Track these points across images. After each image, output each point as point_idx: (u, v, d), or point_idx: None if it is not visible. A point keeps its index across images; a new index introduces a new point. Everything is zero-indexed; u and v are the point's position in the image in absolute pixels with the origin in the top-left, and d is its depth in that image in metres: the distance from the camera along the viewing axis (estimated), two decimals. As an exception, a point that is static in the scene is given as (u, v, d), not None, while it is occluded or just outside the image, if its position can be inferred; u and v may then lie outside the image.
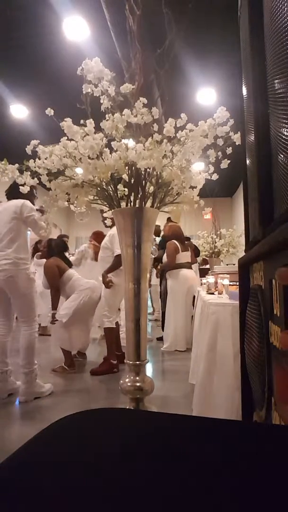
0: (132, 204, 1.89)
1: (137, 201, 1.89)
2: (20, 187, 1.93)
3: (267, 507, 0.27)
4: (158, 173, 1.83)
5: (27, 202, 2.55)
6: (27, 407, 2.46)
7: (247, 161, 1.17)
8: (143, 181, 1.87)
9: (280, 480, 0.30)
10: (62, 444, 0.37)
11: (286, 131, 0.64)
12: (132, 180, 1.87)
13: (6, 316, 2.66)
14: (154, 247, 4.69)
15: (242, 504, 0.27)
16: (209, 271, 4.65)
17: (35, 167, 1.86)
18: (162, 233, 5.46)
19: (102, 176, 1.79)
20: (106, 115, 1.81)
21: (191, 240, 5.98)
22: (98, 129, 1.81)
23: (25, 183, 1.91)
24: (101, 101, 1.81)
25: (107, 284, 3.23)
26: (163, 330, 4.67)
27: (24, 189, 1.92)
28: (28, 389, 2.50)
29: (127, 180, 1.88)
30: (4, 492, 0.29)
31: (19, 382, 2.66)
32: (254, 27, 0.90)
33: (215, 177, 1.99)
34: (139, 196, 1.89)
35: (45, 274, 3.66)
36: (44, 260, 4.16)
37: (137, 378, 1.88)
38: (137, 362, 1.89)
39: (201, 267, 6.48)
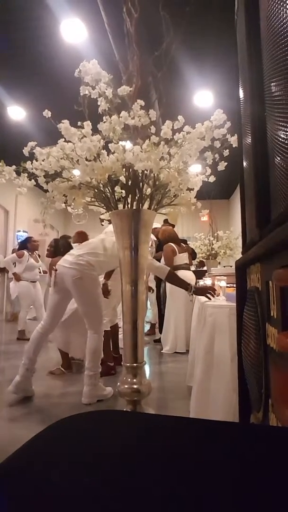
0: (129, 206, 1.90)
1: (134, 203, 1.89)
2: (17, 189, 1.92)
3: (267, 507, 0.27)
4: (155, 175, 1.83)
5: None
6: (24, 409, 2.45)
7: (244, 163, 1.18)
8: (140, 183, 1.88)
9: (278, 481, 0.30)
10: (61, 446, 0.37)
11: (283, 133, 0.65)
12: (130, 182, 1.87)
13: (54, 318, 2.69)
14: (150, 248, 4.69)
15: (242, 504, 0.27)
16: (206, 273, 4.65)
17: (32, 169, 1.86)
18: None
19: (99, 178, 1.79)
20: (104, 117, 1.82)
21: (188, 243, 5.99)
22: (95, 131, 1.81)
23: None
24: (99, 103, 1.82)
25: (106, 293, 3.13)
26: (160, 332, 4.66)
27: (21, 191, 1.92)
28: (92, 391, 2.50)
29: (125, 182, 1.88)
30: (3, 492, 0.29)
31: (32, 387, 2.63)
32: (250, 30, 0.91)
33: (212, 179, 1.99)
34: (136, 198, 1.89)
35: (49, 273, 3.68)
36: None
37: (135, 380, 1.87)
38: (135, 364, 1.89)
39: (198, 269, 6.49)
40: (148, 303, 6.13)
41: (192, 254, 5.73)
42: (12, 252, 7.49)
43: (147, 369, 3.53)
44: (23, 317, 5.30)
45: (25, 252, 5.35)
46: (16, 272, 5.27)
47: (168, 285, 4.50)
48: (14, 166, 1.93)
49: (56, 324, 2.73)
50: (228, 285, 2.31)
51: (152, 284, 5.62)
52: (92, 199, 2.00)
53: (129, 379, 1.88)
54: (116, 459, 0.34)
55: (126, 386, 1.87)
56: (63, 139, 1.83)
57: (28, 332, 5.31)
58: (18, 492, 0.29)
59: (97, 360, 2.56)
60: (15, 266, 5.38)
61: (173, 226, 5.24)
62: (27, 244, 5.47)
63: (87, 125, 1.80)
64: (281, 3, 0.63)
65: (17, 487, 0.30)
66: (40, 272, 5.56)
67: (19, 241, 9.22)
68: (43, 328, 2.64)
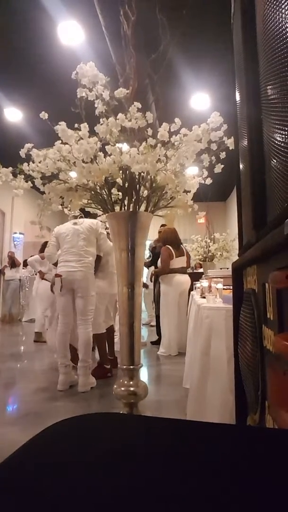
0: (126, 208, 1.90)
1: (131, 205, 1.89)
2: (14, 190, 1.92)
3: (265, 508, 0.27)
4: (152, 177, 1.84)
5: (100, 223, 3.02)
6: (18, 413, 2.43)
7: (241, 166, 1.18)
8: (137, 185, 1.88)
9: (275, 483, 0.30)
10: (60, 447, 0.37)
11: (279, 136, 0.65)
12: (126, 184, 1.87)
13: (69, 316, 3.00)
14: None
15: (239, 505, 0.27)
16: (203, 275, 4.65)
17: (29, 171, 1.85)
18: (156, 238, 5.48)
19: (96, 180, 1.79)
20: (101, 119, 1.82)
21: (184, 245, 5.99)
22: (92, 133, 1.81)
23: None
24: (96, 105, 1.82)
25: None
26: (157, 334, 4.66)
27: (18, 193, 1.91)
28: (87, 380, 2.85)
29: (121, 184, 1.88)
30: (3, 492, 0.29)
31: (76, 376, 2.95)
32: (247, 34, 0.92)
33: (209, 181, 2.00)
34: (133, 200, 1.89)
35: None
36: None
37: (131, 382, 1.87)
38: (131, 367, 1.88)
39: (194, 272, 6.50)
40: (143, 304, 6.13)
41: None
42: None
43: (144, 371, 3.52)
44: (40, 319, 5.32)
45: None
46: (41, 270, 5.45)
47: (162, 287, 4.49)
48: (10, 168, 1.92)
49: (71, 321, 3.02)
50: (225, 287, 2.31)
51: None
52: (89, 201, 2.00)
53: (125, 382, 1.87)
54: (115, 460, 0.34)
55: (122, 388, 1.86)
56: (60, 141, 1.83)
57: (29, 334, 5.31)
58: (18, 492, 0.29)
59: (90, 351, 2.93)
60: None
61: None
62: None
63: (84, 127, 1.80)
64: (277, 7, 0.63)
65: (17, 487, 0.30)
66: None
67: (15, 243, 9.21)
68: (62, 329, 2.97)
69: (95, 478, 0.30)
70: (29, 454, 0.36)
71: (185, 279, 4.48)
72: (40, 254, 5.60)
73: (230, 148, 1.80)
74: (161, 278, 4.49)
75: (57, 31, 4.20)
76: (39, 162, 1.83)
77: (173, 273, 4.38)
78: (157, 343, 4.54)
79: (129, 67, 1.92)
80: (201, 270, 6.48)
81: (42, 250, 5.67)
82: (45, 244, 5.72)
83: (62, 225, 3.15)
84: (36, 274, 5.85)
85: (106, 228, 3.08)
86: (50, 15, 3.98)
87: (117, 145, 1.80)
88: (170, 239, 4.53)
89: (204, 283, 2.88)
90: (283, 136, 0.62)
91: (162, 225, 5.54)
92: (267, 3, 0.70)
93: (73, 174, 1.87)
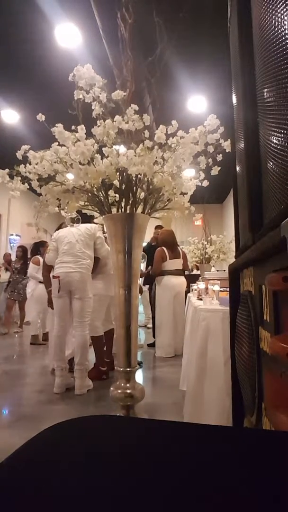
0: (123, 210, 1.90)
1: (128, 207, 1.89)
2: (11, 192, 1.91)
3: (263, 508, 0.27)
4: (149, 179, 1.84)
5: (96, 227, 3.11)
6: (14, 416, 2.42)
7: (237, 168, 1.19)
8: (134, 187, 1.88)
9: (272, 485, 0.30)
10: (53, 452, 0.37)
11: (275, 139, 0.65)
12: (123, 186, 1.87)
13: (65, 319, 3.00)
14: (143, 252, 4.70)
15: (239, 505, 0.27)
16: (200, 277, 4.65)
17: (25, 172, 1.85)
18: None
19: (93, 182, 1.78)
20: (98, 121, 1.82)
21: (181, 247, 5.99)
22: (89, 135, 1.81)
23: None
24: (93, 107, 1.82)
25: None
26: (153, 336, 4.65)
27: (14, 194, 1.91)
28: (83, 383, 2.87)
29: (118, 186, 1.88)
30: (4, 492, 0.29)
31: (72, 378, 2.95)
32: (243, 37, 0.92)
33: (205, 183, 2.00)
34: (130, 202, 1.89)
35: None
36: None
37: (128, 385, 1.86)
38: (128, 369, 1.88)
39: (191, 274, 6.49)
40: (140, 306, 6.12)
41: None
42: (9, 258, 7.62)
43: (140, 373, 3.52)
44: (35, 321, 5.30)
45: (39, 257, 5.36)
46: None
47: (157, 289, 4.50)
48: (7, 170, 1.92)
49: (67, 324, 3.02)
50: (222, 289, 2.31)
51: (145, 288, 5.60)
52: (86, 203, 1.99)
53: (122, 384, 1.87)
54: (112, 462, 0.33)
55: (119, 391, 1.86)
56: (57, 143, 1.83)
57: (28, 336, 5.31)
58: (15, 493, 0.29)
59: (86, 354, 2.93)
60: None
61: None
62: (40, 248, 5.46)
63: (81, 129, 1.80)
64: (273, 11, 0.64)
65: (14, 488, 0.29)
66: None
67: (11, 244, 9.18)
68: (59, 331, 2.97)
69: (92, 480, 0.30)
70: (26, 457, 0.36)
71: (178, 281, 4.48)
72: (34, 261, 5.55)
73: (227, 151, 1.81)
74: (156, 280, 4.51)
75: (55, 34, 4.21)
76: (36, 164, 1.83)
77: (166, 275, 4.39)
78: (154, 345, 4.54)
79: (126, 69, 1.92)
80: (198, 272, 6.47)
81: (33, 251, 5.64)
82: (35, 246, 5.71)
83: (61, 229, 3.19)
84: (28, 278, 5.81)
85: (104, 232, 3.10)
86: (47, 17, 3.98)
87: (114, 147, 1.80)
88: (166, 241, 4.54)
89: (201, 285, 2.88)
90: (279, 138, 0.62)
91: (157, 226, 5.56)
92: (263, 7, 0.71)
93: (70, 176, 1.87)
